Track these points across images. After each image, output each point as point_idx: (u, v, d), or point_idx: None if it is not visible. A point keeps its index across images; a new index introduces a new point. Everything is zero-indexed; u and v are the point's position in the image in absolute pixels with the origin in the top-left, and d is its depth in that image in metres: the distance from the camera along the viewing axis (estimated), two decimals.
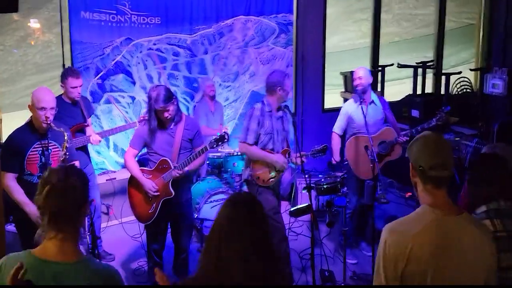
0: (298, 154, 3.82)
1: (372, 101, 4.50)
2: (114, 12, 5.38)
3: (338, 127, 4.61)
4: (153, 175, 3.83)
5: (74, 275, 1.74)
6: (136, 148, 3.85)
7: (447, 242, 1.81)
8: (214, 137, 3.80)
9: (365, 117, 4.19)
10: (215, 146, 3.78)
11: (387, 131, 4.48)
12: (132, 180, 3.90)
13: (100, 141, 4.40)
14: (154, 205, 3.82)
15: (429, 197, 1.91)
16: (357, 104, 4.44)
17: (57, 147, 3.47)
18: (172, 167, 3.74)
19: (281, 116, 4.06)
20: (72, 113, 4.21)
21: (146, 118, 3.78)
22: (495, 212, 2.23)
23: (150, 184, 3.78)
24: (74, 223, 1.79)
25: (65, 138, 3.42)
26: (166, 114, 3.66)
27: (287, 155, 4.12)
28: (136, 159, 3.96)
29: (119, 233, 5.13)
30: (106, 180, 5.31)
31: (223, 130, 5.55)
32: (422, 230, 1.82)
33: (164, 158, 3.76)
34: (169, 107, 3.63)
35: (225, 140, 3.78)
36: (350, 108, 4.54)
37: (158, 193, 3.79)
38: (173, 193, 3.79)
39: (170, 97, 3.62)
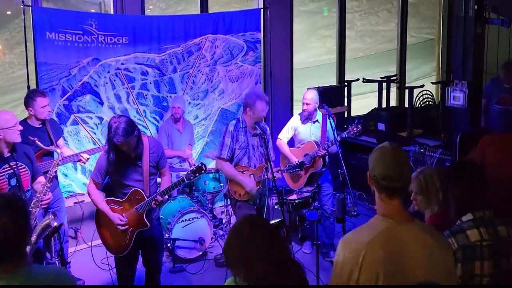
0: (272, 170, 3.96)
1: (316, 120, 4.90)
2: (81, 32, 5.32)
3: (284, 136, 5.00)
4: (124, 207, 3.67)
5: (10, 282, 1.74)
6: (98, 180, 3.68)
7: (399, 250, 1.86)
8: (191, 168, 3.72)
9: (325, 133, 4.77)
10: (192, 178, 3.69)
11: (309, 144, 4.87)
12: (100, 212, 3.72)
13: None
14: (128, 236, 3.66)
15: (383, 206, 1.98)
16: (302, 121, 4.91)
17: (24, 167, 3.42)
18: (146, 199, 3.60)
19: (259, 133, 4.17)
20: (39, 137, 4.12)
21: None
22: (481, 221, 2.28)
23: (117, 218, 3.62)
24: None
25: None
26: (125, 148, 3.48)
27: (264, 170, 4.22)
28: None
29: (88, 257, 4.99)
30: (74, 203, 5.20)
31: (190, 152, 5.57)
32: (374, 238, 1.87)
33: (136, 189, 3.62)
34: (130, 141, 3.42)
35: (203, 171, 3.69)
36: (296, 123, 4.96)
37: (127, 227, 3.63)
38: (149, 225, 3.65)
39: (131, 130, 3.39)
